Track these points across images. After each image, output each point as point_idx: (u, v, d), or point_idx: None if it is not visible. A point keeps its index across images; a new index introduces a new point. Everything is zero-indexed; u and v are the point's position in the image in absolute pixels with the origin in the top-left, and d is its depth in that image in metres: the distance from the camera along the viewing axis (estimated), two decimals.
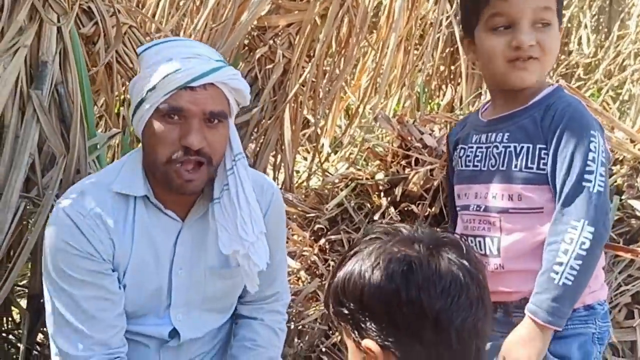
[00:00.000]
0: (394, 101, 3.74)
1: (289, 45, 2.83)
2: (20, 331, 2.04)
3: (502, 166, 1.43)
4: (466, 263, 0.98)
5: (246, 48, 2.88)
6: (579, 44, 5.93)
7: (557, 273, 1.31)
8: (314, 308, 2.49)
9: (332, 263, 2.53)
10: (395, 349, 0.97)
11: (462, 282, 0.97)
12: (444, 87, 5.08)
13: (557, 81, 5.35)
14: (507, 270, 1.41)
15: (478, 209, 1.45)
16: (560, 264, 1.31)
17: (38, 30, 1.72)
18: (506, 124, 1.45)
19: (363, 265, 0.99)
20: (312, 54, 2.88)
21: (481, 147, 1.48)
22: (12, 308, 2.07)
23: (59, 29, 1.77)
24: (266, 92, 2.79)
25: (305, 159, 3.76)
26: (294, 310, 2.42)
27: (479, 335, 0.99)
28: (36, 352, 2.02)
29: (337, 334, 2.46)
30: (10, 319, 2.09)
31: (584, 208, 1.33)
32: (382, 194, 2.55)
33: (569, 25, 5.81)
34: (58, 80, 1.78)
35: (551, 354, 1.39)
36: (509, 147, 1.42)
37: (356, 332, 1.01)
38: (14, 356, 2.02)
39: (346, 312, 1.01)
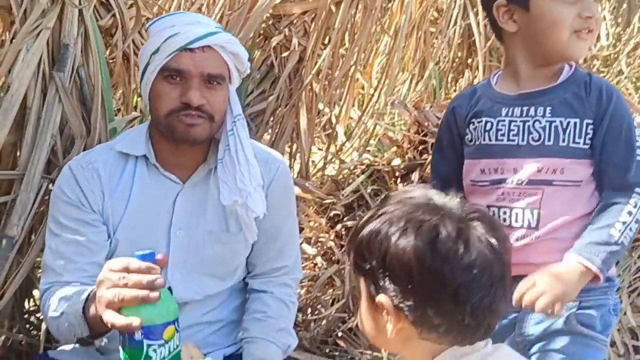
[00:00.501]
0: (405, 87, 3.74)
1: (305, 33, 2.84)
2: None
3: (549, 140, 1.44)
4: (494, 241, 0.98)
5: (261, 36, 2.90)
6: (598, 38, 5.89)
7: (618, 230, 1.37)
8: (330, 293, 2.51)
9: None
10: (408, 312, 0.99)
11: (487, 260, 0.96)
12: (460, 80, 5.06)
13: None
14: (542, 241, 1.43)
15: (519, 182, 1.46)
16: (624, 223, 1.38)
17: (60, 13, 1.75)
18: (545, 99, 1.46)
19: (391, 227, 0.99)
20: (327, 42, 2.89)
21: (515, 121, 1.48)
22: (34, 290, 2.10)
23: (80, 12, 1.80)
24: (282, 81, 2.81)
25: (320, 149, 3.77)
26: (312, 295, 2.44)
27: (493, 314, 1.00)
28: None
29: (353, 318, 2.47)
30: (32, 300, 2.13)
31: None
32: (398, 180, 2.56)
33: None
34: (79, 63, 1.81)
35: (578, 322, 1.43)
36: (554, 121, 1.44)
37: (373, 287, 1.02)
38: (36, 337, 2.05)
39: (367, 267, 1.02)
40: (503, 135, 1.48)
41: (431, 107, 2.64)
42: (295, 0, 2.86)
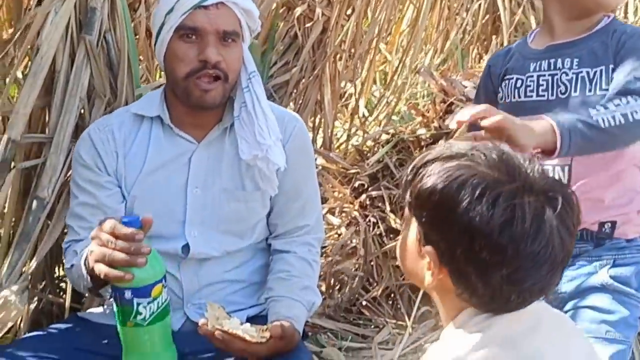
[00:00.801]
0: (428, 59, 3.70)
1: (328, 3, 2.82)
2: None
3: (575, 92, 1.42)
4: (564, 229, 0.93)
5: (284, 7, 2.89)
6: (625, 12, 5.75)
7: (598, 111, 1.25)
8: (354, 261, 2.51)
9: (372, 219, 2.55)
10: (453, 274, 0.95)
11: (553, 248, 0.92)
12: (484, 55, 5.00)
13: None
14: None
15: None
16: (606, 107, 1.26)
17: None
18: (573, 50, 1.44)
19: (464, 189, 0.92)
20: (351, 12, 2.87)
21: (544, 75, 1.46)
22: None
23: None
24: (305, 51, 2.79)
25: (342, 123, 3.76)
26: (332, 260, 2.44)
27: (540, 296, 0.97)
28: (84, 299, 2.10)
29: (377, 287, 2.48)
30: (62, 265, 2.16)
31: None
32: (423, 149, 2.55)
33: None
34: (106, 28, 1.82)
35: (612, 279, 1.41)
36: (581, 72, 1.41)
37: (423, 235, 0.98)
38: (66, 300, 2.08)
39: (424, 216, 0.97)
40: (532, 91, 1.47)
41: (458, 75, 2.61)
42: None
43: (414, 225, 1.01)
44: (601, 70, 1.40)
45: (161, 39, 1.53)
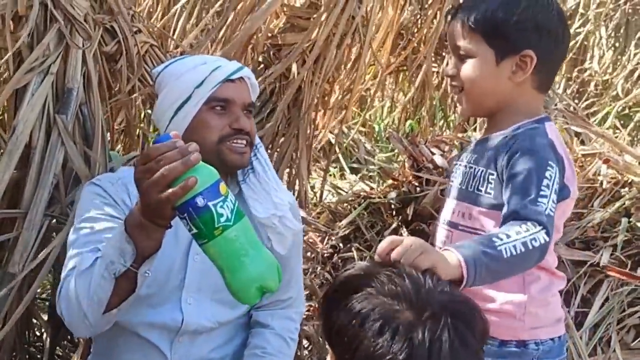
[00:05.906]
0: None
1: (304, 63, 2.87)
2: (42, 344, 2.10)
3: (461, 184, 1.51)
4: (463, 349, 0.94)
5: (262, 65, 2.94)
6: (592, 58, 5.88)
7: (501, 240, 1.25)
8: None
9: None
10: None
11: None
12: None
13: (574, 98, 5.30)
14: None
15: (443, 221, 1.54)
16: (508, 236, 1.26)
17: (64, 54, 1.79)
18: (478, 146, 1.53)
19: (366, 325, 0.95)
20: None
21: (460, 165, 1.56)
22: (35, 321, 2.13)
23: (83, 52, 1.83)
24: (279, 110, 2.83)
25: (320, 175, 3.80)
26: (301, 322, 2.44)
27: None
28: None
29: None
30: (33, 331, 2.15)
31: (542, 220, 1.31)
32: (394, 212, 2.60)
33: (585, 43, 5.77)
34: (82, 101, 1.85)
35: None
36: (472, 167, 1.50)
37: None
38: None
39: (335, 350, 1.01)
40: (454, 177, 1.57)
41: (426, 142, 2.68)
42: (295, 31, 2.90)
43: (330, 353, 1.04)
44: (482, 172, 1.46)
45: (185, 111, 1.56)
